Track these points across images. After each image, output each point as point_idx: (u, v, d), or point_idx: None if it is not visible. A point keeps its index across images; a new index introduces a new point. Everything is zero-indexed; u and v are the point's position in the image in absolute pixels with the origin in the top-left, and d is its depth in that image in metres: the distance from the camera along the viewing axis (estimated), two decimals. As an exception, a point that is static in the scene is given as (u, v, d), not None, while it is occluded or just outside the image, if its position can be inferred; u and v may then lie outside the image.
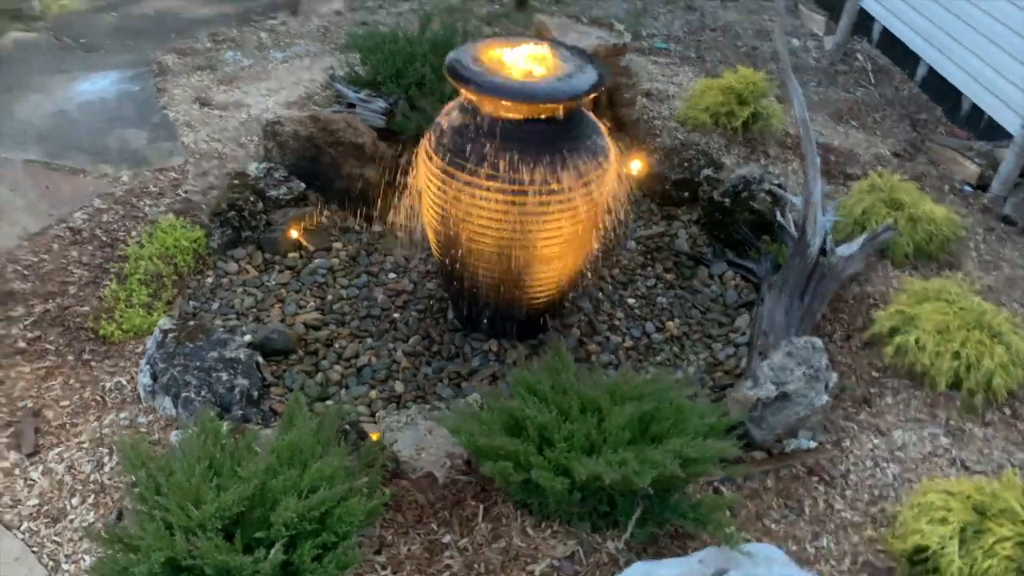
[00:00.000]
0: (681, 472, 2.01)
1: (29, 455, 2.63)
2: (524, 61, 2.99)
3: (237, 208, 3.68)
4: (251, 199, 3.74)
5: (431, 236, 3.23)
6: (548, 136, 2.95)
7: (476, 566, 2.21)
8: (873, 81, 5.89)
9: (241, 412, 2.72)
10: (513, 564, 2.22)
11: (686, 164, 4.26)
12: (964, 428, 2.96)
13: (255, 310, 3.39)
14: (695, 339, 3.53)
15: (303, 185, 3.94)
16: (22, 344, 3.05)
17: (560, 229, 3.08)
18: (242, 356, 2.88)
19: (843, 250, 3.56)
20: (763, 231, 3.91)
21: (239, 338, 3.05)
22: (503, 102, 2.85)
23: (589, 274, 3.82)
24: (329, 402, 3.00)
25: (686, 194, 4.23)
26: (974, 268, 3.89)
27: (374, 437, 2.62)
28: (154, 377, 2.77)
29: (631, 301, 3.74)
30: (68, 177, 4.08)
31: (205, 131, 4.56)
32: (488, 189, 2.92)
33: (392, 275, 3.71)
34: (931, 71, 5.65)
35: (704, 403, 2.49)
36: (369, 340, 3.35)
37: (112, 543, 2.03)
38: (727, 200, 3.92)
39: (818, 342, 2.93)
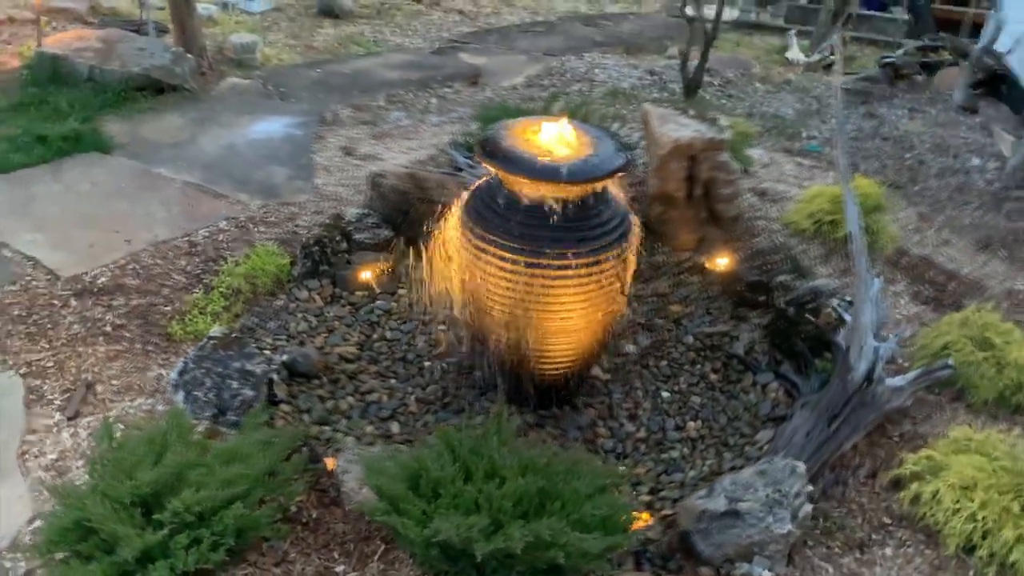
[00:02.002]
0: (517, 550, 2.00)
1: (69, 419, 3.11)
2: (553, 142, 3.13)
3: (321, 244, 4.10)
4: (337, 238, 4.16)
5: (456, 297, 3.41)
6: (565, 214, 3.04)
7: (351, 600, 2.32)
8: (1048, 212, 5.29)
9: (235, 418, 3.03)
10: (385, 607, 2.30)
11: (767, 268, 4.11)
12: (964, 601, 2.60)
13: (305, 335, 3.74)
14: (709, 444, 3.39)
15: (389, 233, 4.29)
16: (108, 328, 3.62)
17: (571, 306, 3.14)
18: (258, 371, 3.22)
19: (894, 381, 3.28)
20: (827, 348, 3.67)
21: (272, 355, 3.41)
22: (521, 179, 3.01)
23: (634, 360, 3.82)
24: (326, 427, 3.26)
25: (761, 298, 4.07)
26: (1074, 432, 3.37)
27: (329, 465, 2.82)
28: (181, 374, 3.19)
29: (665, 394, 3.67)
30: (210, 200, 4.76)
31: (337, 176, 5.12)
32: (502, 259, 3.06)
33: (442, 327, 3.92)
34: (1118, 209, 4.98)
35: (610, 498, 2.41)
36: (392, 381, 3.58)
37: (58, 496, 2.39)
38: (791, 310, 3.74)
39: (800, 467, 2.73)
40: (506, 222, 3.04)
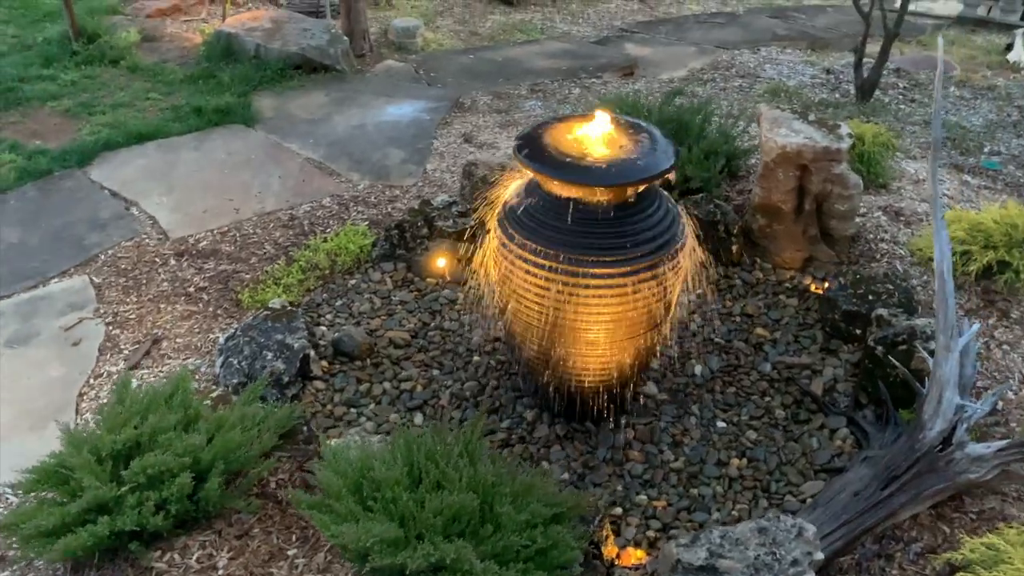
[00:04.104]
0: (410, 568, 1.89)
1: (129, 368, 3.39)
2: (594, 141, 2.92)
3: (401, 228, 4.15)
4: (419, 224, 4.19)
5: (495, 297, 3.30)
6: (601, 218, 2.84)
7: (289, 585, 2.33)
8: None
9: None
10: (317, 599, 2.29)
11: (870, 297, 3.61)
12: None
13: (365, 316, 3.81)
14: (748, 486, 3.04)
15: (472, 221, 4.26)
16: (192, 289, 3.89)
17: (605, 315, 2.93)
18: (295, 345, 3.32)
19: (976, 449, 2.77)
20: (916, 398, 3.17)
21: (326, 332, 3.52)
22: (549, 179, 2.85)
23: (698, 383, 3.53)
24: (353, 409, 3.30)
25: (857, 331, 3.60)
26: None
27: (327, 443, 2.84)
28: (227, 340, 3.36)
29: (720, 424, 3.35)
30: (323, 177, 4.98)
31: (448, 162, 5.16)
32: (530, 263, 2.91)
33: (501, 323, 3.83)
34: None
35: (556, 530, 2.22)
36: (435, 372, 3.55)
37: (65, 438, 2.60)
38: (880, 348, 3.27)
39: (810, 530, 2.37)
40: (536, 223, 2.89)
